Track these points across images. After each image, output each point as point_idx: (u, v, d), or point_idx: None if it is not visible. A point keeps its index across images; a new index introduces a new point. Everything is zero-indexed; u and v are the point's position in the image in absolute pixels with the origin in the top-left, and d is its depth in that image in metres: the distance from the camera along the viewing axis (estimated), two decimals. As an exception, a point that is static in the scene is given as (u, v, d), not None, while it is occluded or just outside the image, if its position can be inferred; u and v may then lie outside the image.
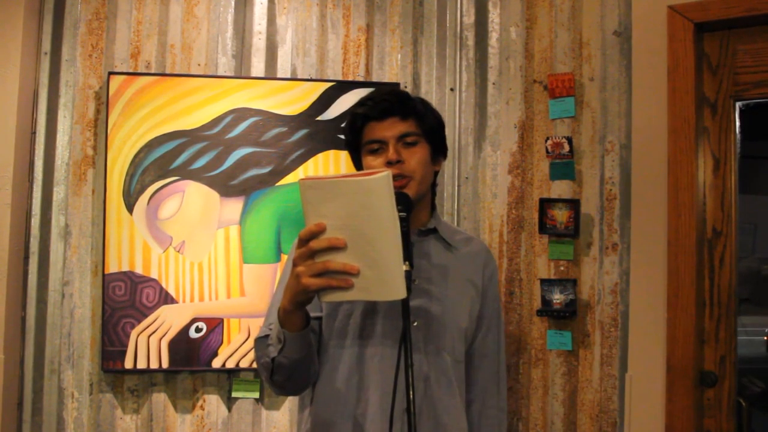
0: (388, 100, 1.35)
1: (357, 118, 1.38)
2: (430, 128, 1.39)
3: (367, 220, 1.04)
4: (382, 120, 1.35)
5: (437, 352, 1.35)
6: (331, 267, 1.07)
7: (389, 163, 1.31)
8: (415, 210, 1.36)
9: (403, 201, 1.21)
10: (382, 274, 1.06)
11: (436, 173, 1.45)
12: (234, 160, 2.18)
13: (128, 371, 2.14)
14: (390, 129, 1.34)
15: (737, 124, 1.95)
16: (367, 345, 1.32)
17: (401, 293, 1.07)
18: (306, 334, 1.23)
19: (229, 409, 2.21)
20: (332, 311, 1.35)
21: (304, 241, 1.08)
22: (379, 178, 1.02)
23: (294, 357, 1.23)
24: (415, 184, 1.33)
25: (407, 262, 1.11)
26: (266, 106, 2.20)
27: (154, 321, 2.13)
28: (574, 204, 2.09)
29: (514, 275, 2.20)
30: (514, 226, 2.21)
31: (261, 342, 1.31)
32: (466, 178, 2.28)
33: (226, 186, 2.18)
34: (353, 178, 1.05)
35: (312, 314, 1.26)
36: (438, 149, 1.43)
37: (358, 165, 1.42)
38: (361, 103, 1.39)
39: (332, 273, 1.07)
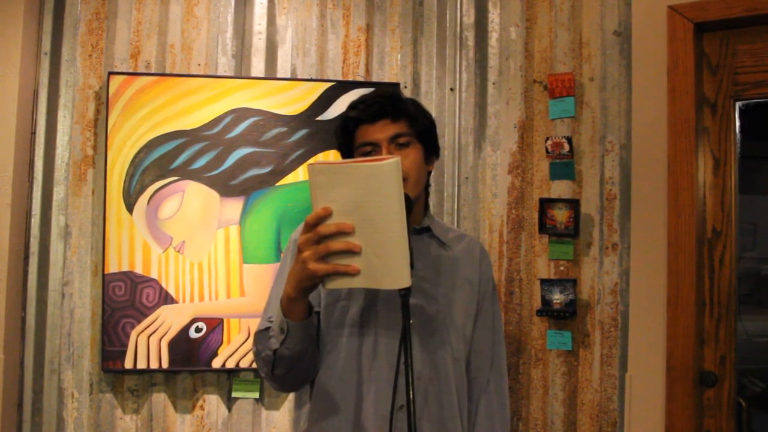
0: (380, 103, 1.35)
1: (349, 121, 1.38)
2: (422, 129, 1.39)
3: (375, 206, 1.03)
4: (373, 122, 1.35)
5: (434, 351, 1.35)
6: (334, 247, 1.06)
7: None
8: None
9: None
10: (387, 262, 1.05)
11: (429, 173, 1.45)
12: (234, 160, 2.18)
13: (128, 371, 2.14)
14: (382, 131, 1.34)
15: (737, 124, 1.95)
16: (363, 342, 1.33)
17: (406, 281, 1.06)
18: (309, 323, 1.22)
19: (229, 409, 2.21)
20: (329, 306, 1.35)
21: (311, 226, 1.08)
22: (390, 164, 1.02)
23: (297, 348, 1.22)
24: (410, 186, 1.33)
25: None
26: (266, 106, 2.20)
27: (154, 321, 2.13)
28: (574, 204, 2.09)
29: (514, 275, 2.20)
30: (514, 226, 2.21)
31: (261, 335, 1.30)
32: (466, 178, 2.28)
33: (226, 186, 2.18)
34: (364, 163, 1.04)
35: None
36: (431, 149, 1.43)
37: None
38: (353, 106, 1.39)
39: (336, 254, 1.07)
